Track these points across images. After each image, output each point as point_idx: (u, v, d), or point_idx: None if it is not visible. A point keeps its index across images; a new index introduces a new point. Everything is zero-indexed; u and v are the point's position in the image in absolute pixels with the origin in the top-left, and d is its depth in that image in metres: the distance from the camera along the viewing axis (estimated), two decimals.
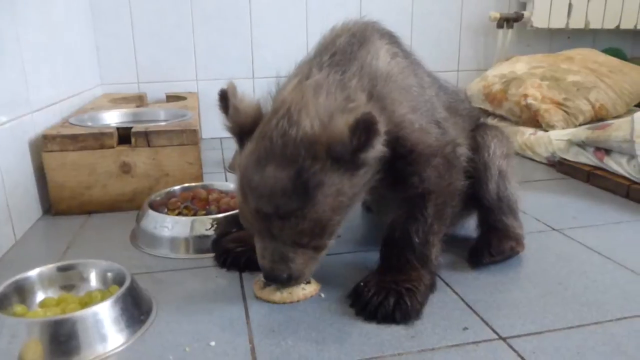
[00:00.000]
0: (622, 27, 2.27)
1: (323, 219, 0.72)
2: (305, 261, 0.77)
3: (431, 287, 0.85)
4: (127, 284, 0.77)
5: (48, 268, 0.83)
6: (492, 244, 0.95)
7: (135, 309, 0.76)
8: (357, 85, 0.77)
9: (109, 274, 0.84)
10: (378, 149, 0.70)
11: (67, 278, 0.84)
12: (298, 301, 0.84)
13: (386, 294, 0.79)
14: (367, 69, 0.79)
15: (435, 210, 0.84)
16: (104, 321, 0.71)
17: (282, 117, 0.72)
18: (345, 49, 0.81)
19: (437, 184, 0.84)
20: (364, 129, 0.66)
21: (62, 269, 0.84)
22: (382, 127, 0.68)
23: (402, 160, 0.80)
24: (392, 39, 0.90)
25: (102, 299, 0.75)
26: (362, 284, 0.84)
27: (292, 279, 0.78)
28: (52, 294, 0.82)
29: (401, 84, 0.82)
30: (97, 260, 0.86)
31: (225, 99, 0.78)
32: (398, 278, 0.82)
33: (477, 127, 1.02)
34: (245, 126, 0.78)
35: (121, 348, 0.71)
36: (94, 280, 0.84)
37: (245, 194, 0.73)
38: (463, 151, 0.90)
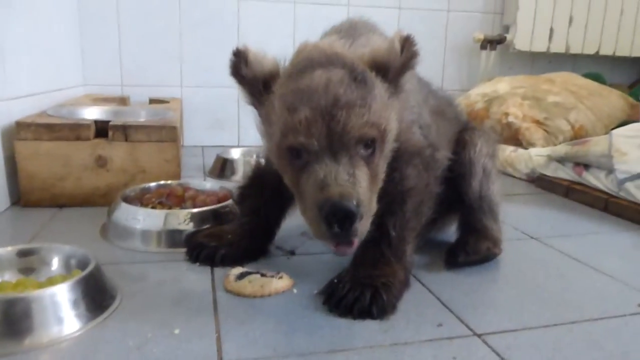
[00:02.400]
0: (602, 52, 2.33)
1: (383, 117, 0.70)
2: (367, 186, 0.68)
3: (405, 283, 0.83)
4: (90, 267, 0.74)
5: (6, 251, 0.79)
6: (469, 242, 0.94)
7: (98, 294, 0.73)
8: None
9: (73, 260, 0.81)
10: (409, 81, 0.74)
11: (28, 262, 0.80)
12: (269, 295, 0.81)
13: (362, 289, 0.77)
14: (372, 43, 0.81)
15: (413, 207, 0.84)
16: (62, 303, 0.67)
17: (314, 49, 0.73)
18: (349, 29, 0.85)
19: (416, 183, 0.84)
20: (411, 44, 0.70)
21: (23, 253, 0.80)
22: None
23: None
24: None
25: None
26: (335, 280, 0.81)
27: (360, 211, 0.65)
28: (10, 277, 0.78)
29: None
30: (61, 245, 0.82)
31: (240, 56, 0.74)
32: (372, 273, 0.80)
33: (466, 128, 1.03)
34: (267, 74, 0.74)
35: (79, 332, 0.67)
36: (56, 265, 0.81)
37: (295, 104, 0.67)
38: (441, 156, 0.90)
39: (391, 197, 0.83)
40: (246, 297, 0.81)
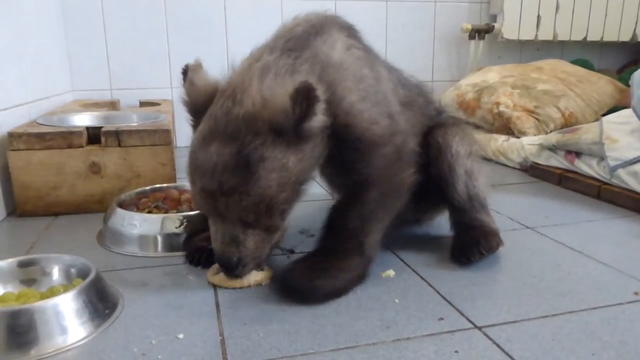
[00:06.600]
0: (589, 39, 2.34)
1: (267, 195, 0.71)
2: (256, 243, 0.76)
3: (359, 277, 0.84)
4: (91, 275, 0.74)
5: (7, 262, 0.79)
6: (481, 242, 0.92)
7: (100, 302, 0.73)
8: (307, 70, 0.77)
9: (73, 269, 0.81)
10: (320, 118, 0.71)
11: (29, 273, 0.80)
12: (249, 286, 0.84)
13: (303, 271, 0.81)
14: (320, 56, 0.80)
15: (377, 197, 0.83)
16: (65, 313, 0.68)
17: (227, 98, 0.72)
18: (300, 36, 0.81)
19: (383, 173, 0.82)
20: (304, 96, 0.67)
21: (23, 264, 0.80)
22: (321, 94, 0.69)
23: (349, 147, 0.80)
24: (351, 32, 0.89)
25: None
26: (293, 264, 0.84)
27: (242, 264, 0.76)
28: (12, 289, 0.78)
29: (354, 73, 0.82)
30: (60, 255, 0.83)
31: (186, 74, 0.78)
32: (326, 261, 0.82)
33: (437, 125, 1.00)
34: (198, 103, 0.77)
35: (83, 341, 0.68)
36: (56, 274, 0.81)
37: (192, 174, 0.73)
38: (412, 145, 0.88)
39: (354, 187, 0.84)
40: (228, 289, 0.84)
